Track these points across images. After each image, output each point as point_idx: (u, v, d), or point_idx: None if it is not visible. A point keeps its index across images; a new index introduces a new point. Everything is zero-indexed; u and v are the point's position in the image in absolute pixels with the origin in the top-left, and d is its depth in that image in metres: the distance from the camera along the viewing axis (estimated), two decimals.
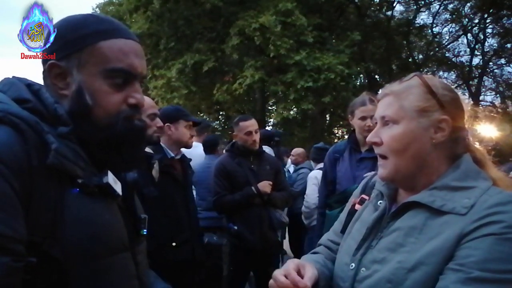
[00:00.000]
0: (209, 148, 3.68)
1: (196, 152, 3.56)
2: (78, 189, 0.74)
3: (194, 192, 3.54)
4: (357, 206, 1.10)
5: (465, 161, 0.92)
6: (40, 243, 0.68)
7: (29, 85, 0.80)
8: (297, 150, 5.62)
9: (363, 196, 1.11)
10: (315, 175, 3.99)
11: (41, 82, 0.84)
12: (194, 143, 3.74)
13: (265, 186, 2.87)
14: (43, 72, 0.83)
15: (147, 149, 2.16)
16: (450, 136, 0.92)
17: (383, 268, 0.88)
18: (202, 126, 4.05)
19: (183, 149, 2.45)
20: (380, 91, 1.03)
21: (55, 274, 0.69)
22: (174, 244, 2.14)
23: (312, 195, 3.87)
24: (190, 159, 2.50)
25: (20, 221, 0.66)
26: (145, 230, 0.92)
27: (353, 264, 0.94)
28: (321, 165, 4.11)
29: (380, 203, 1.01)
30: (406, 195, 0.97)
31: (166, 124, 2.28)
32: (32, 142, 0.70)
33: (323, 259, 1.09)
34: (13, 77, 0.82)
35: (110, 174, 0.82)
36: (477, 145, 1.01)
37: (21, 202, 0.66)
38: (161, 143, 2.31)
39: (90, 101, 0.79)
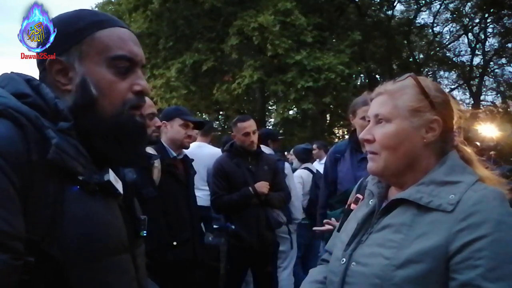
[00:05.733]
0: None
1: (201, 152, 3.55)
2: (78, 187, 0.72)
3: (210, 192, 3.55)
4: (352, 206, 1.13)
5: (451, 156, 0.96)
6: (39, 241, 0.66)
7: (29, 80, 0.78)
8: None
9: (358, 195, 1.14)
10: (300, 174, 4.10)
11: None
12: (199, 144, 3.74)
13: (262, 186, 2.88)
14: (42, 72, 0.81)
15: (149, 150, 2.16)
16: (440, 136, 0.96)
17: (372, 263, 0.90)
18: (208, 127, 4.04)
19: (187, 150, 2.46)
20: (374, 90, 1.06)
21: (53, 274, 0.67)
22: (175, 243, 2.14)
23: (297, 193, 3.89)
24: (193, 160, 2.50)
25: (19, 218, 0.64)
26: (144, 232, 0.90)
27: (344, 259, 0.97)
28: (306, 164, 4.31)
29: (371, 201, 1.04)
30: (397, 193, 1.00)
31: (163, 122, 2.30)
32: (32, 137, 0.68)
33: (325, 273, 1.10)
34: (11, 72, 0.81)
35: (111, 172, 0.80)
36: (477, 144, 1.03)
37: (20, 198, 0.65)
38: (163, 143, 2.32)
39: (96, 91, 0.77)
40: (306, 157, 4.42)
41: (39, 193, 0.67)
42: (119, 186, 0.81)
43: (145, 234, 0.90)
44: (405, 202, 0.93)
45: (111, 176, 0.79)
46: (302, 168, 4.21)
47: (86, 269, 0.71)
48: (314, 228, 2.17)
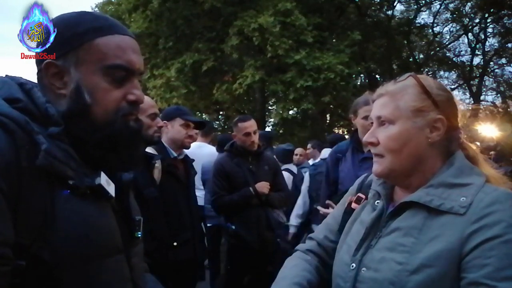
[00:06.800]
0: (223, 146, 3.68)
1: (201, 152, 3.56)
2: (68, 191, 0.72)
3: (206, 191, 3.51)
4: (353, 205, 1.11)
5: (458, 157, 0.95)
6: (29, 245, 0.66)
7: (22, 84, 0.78)
8: (300, 150, 5.60)
9: (360, 194, 1.11)
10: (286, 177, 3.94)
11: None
12: (200, 144, 3.75)
13: (263, 187, 2.88)
14: (38, 72, 0.81)
15: (150, 150, 2.16)
16: (445, 135, 0.94)
17: (385, 269, 0.89)
18: (209, 128, 4.04)
19: (187, 150, 2.46)
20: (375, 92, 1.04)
21: (46, 277, 0.67)
22: (175, 244, 2.14)
23: None
24: (193, 160, 2.50)
25: (7, 223, 0.64)
26: (139, 233, 0.90)
27: (354, 265, 0.95)
28: (286, 166, 4.19)
29: (378, 203, 1.02)
30: (403, 194, 0.98)
31: (164, 122, 2.30)
32: (21, 142, 0.68)
33: (309, 275, 1.05)
34: (6, 76, 0.81)
35: (103, 175, 0.80)
36: (477, 144, 1.03)
37: (9, 203, 0.64)
38: (164, 143, 2.32)
39: (89, 99, 0.77)
40: (286, 158, 4.34)
41: (29, 198, 0.67)
42: (110, 189, 0.81)
43: (139, 235, 0.90)
44: (414, 205, 0.92)
45: (103, 179, 0.79)
46: (283, 170, 3.97)
47: (78, 271, 0.71)
48: (318, 208, 2.15)
